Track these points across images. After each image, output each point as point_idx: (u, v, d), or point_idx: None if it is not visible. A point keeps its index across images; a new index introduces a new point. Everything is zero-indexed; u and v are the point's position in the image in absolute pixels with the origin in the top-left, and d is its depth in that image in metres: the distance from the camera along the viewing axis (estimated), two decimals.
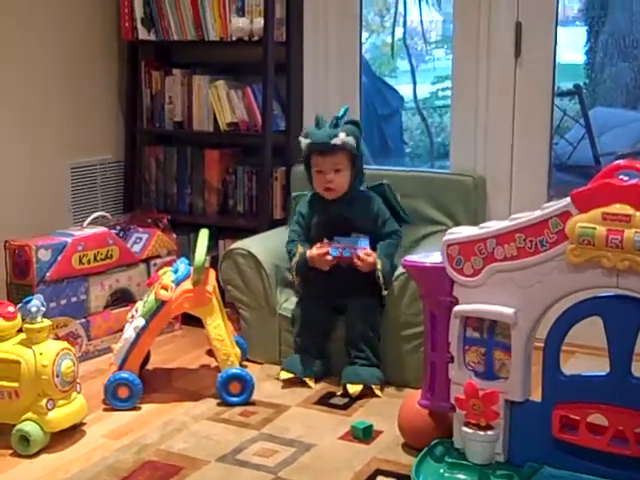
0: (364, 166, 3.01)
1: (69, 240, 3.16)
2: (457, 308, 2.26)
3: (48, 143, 3.49)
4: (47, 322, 2.57)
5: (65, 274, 3.13)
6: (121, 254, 3.31)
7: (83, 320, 3.20)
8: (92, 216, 3.38)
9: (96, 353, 3.23)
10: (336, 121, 2.86)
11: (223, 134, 3.66)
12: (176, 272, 2.89)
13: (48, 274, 3.08)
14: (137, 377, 2.78)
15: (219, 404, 2.78)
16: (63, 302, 3.13)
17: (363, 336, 2.90)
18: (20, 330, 2.58)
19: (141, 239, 3.43)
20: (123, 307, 3.31)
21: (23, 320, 2.56)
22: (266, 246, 3.21)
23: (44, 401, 2.48)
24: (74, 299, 3.17)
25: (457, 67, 3.44)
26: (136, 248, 3.40)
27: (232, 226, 3.63)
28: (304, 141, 2.88)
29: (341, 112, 2.89)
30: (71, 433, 2.57)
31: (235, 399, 2.77)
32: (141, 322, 2.80)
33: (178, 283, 2.83)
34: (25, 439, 2.45)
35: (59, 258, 3.11)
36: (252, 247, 3.16)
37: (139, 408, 2.77)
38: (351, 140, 2.84)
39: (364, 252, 2.86)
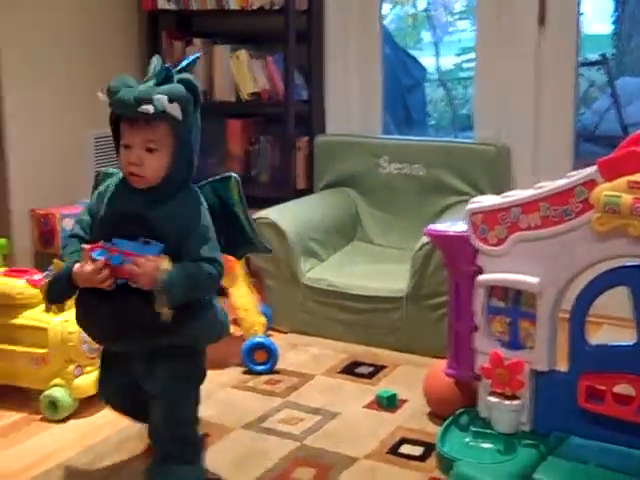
0: (195, 147, 1.95)
1: None
2: (481, 277, 2.26)
3: (72, 113, 3.50)
4: None
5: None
6: None
7: None
8: None
9: None
10: (164, 74, 1.87)
11: (245, 104, 3.66)
12: None
13: None
14: None
15: (244, 372, 2.81)
16: None
17: (173, 438, 2.03)
18: None
19: None
20: None
21: None
22: (289, 215, 3.22)
23: (72, 367, 2.51)
24: None
25: (481, 37, 3.42)
26: None
27: (255, 196, 3.62)
28: (102, 97, 1.88)
29: (184, 62, 1.95)
30: (98, 400, 2.60)
31: (260, 367, 2.80)
32: None
33: None
34: (54, 404, 2.48)
35: None
36: (276, 216, 3.17)
37: None
38: (174, 108, 1.83)
39: (145, 256, 1.85)
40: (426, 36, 6.28)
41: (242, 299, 2.85)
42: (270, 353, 2.80)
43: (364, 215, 3.55)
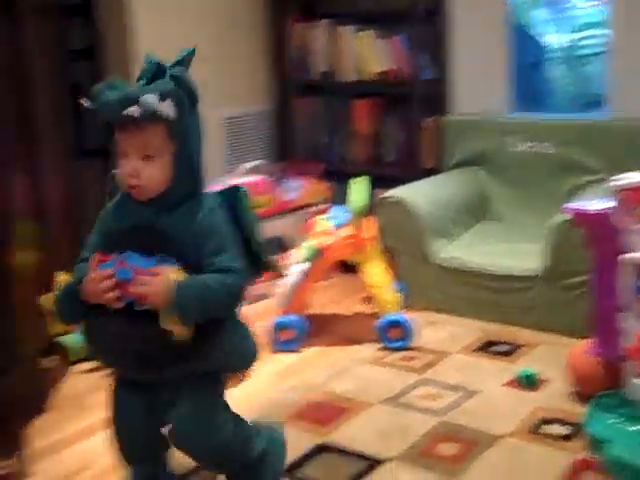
0: (198, 148, 1.74)
1: None
2: (628, 256, 2.21)
3: (204, 94, 3.57)
4: None
5: None
6: (276, 202, 3.39)
7: None
8: (249, 164, 3.48)
9: (251, 299, 3.34)
10: (154, 70, 1.68)
11: (371, 83, 3.67)
12: (333, 219, 2.94)
13: None
14: (301, 320, 2.87)
15: (380, 349, 2.84)
16: None
17: (222, 465, 1.89)
18: None
19: (295, 188, 3.50)
20: (277, 255, 3.39)
21: None
22: (419, 194, 3.23)
23: None
24: None
25: (615, 11, 3.33)
26: (290, 196, 3.47)
27: (381, 175, 3.66)
28: (85, 103, 1.67)
29: (178, 56, 1.73)
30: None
31: (395, 344, 2.82)
32: (303, 267, 2.87)
33: (338, 229, 2.89)
34: None
35: None
36: (406, 195, 3.18)
37: (302, 350, 2.87)
38: (165, 106, 1.62)
39: (153, 270, 1.64)
40: (543, 13, 6.17)
41: (376, 276, 2.88)
42: (405, 330, 2.82)
43: (493, 194, 3.52)
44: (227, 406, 1.87)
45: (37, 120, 2.41)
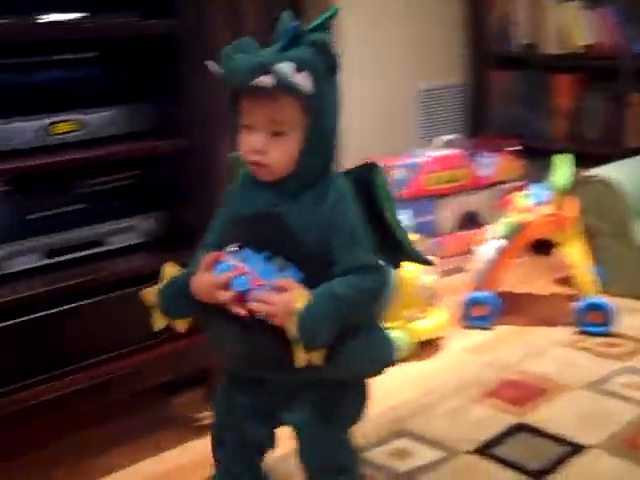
0: (334, 125, 1.47)
1: (422, 160, 3.23)
2: None
3: (399, 65, 3.55)
4: (415, 236, 2.65)
5: (417, 193, 3.21)
6: (471, 177, 3.33)
7: (435, 239, 3.27)
8: (443, 138, 3.43)
9: (443, 273, 3.30)
10: (292, 34, 1.42)
11: (575, 57, 3.52)
12: (532, 197, 2.85)
13: (402, 192, 3.17)
14: (495, 297, 2.81)
15: (576, 332, 2.73)
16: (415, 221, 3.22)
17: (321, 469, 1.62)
18: None
19: (490, 163, 3.42)
20: (470, 230, 3.34)
21: None
22: (624, 174, 3.06)
23: (409, 311, 2.57)
24: (424, 219, 3.24)
25: None
26: (485, 172, 3.40)
27: (582, 152, 3.50)
28: (212, 66, 1.44)
29: (319, 19, 1.46)
30: (433, 345, 2.66)
31: (595, 329, 2.70)
32: (501, 243, 2.80)
33: (538, 207, 2.80)
34: None
35: (412, 177, 3.19)
36: (610, 175, 3.03)
37: (494, 328, 2.80)
38: (303, 78, 1.39)
39: (275, 284, 1.41)
40: None
41: (577, 257, 2.77)
42: (605, 315, 2.69)
43: None
44: (354, 421, 1.61)
45: None
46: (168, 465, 2.05)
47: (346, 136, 3.31)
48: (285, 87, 1.37)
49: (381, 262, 1.48)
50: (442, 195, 3.27)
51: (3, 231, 1.94)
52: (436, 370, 2.51)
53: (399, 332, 2.55)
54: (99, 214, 2.08)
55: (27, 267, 1.93)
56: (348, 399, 1.57)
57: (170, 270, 1.52)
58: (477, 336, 2.76)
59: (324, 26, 1.45)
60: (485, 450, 2.05)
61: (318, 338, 1.38)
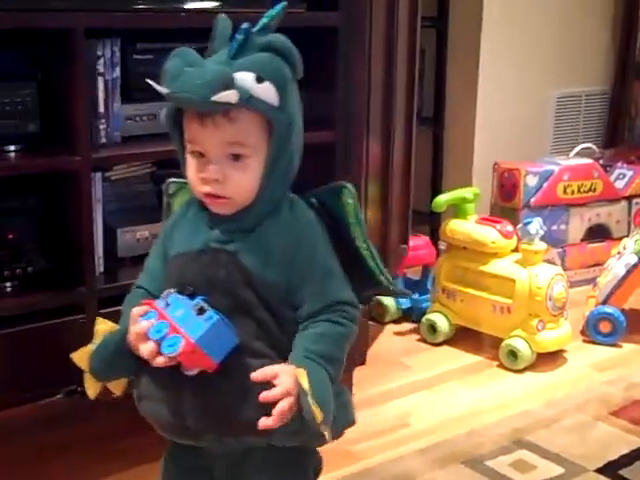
0: (298, 140, 1.24)
1: (556, 168, 3.15)
2: None
3: (535, 72, 3.48)
4: (544, 245, 2.61)
5: (549, 202, 3.14)
6: (604, 188, 3.23)
7: (560, 249, 3.20)
8: (578, 147, 3.36)
9: (568, 284, 3.23)
10: (242, 39, 1.18)
11: None
12: None
13: (533, 200, 3.11)
14: (622, 314, 2.73)
15: None
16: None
17: None
18: (515, 249, 2.66)
19: (625, 175, 3.31)
20: (599, 242, 3.25)
21: (519, 240, 2.63)
22: None
23: (534, 321, 2.53)
24: (554, 227, 3.17)
25: None
26: (619, 184, 3.29)
27: None
28: (157, 86, 1.19)
29: (265, 17, 1.22)
30: (554, 357, 2.60)
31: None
32: (633, 259, 2.72)
33: None
34: (513, 354, 2.53)
35: (545, 185, 3.12)
36: None
37: (620, 345, 2.72)
38: (265, 90, 1.17)
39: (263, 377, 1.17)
40: None
41: None
42: None
43: None
44: None
45: (394, 86, 2.48)
46: None
47: (478, 140, 3.33)
48: (247, 102, 1.14)
49: (353, 297, 1.25)
50: (574, 205, 3.20)
51: (148, 212, 2.00)
52: (558, 383, 2.46)
53: (522, 341, 2.51)
54: None
55: None
56: (303, 465, 1.32)
57: (102, 327, 1.28)
58: (601, 352, 2.68)
59: (271, 24, 1.21)
60: (611, 470, 2.00)
61: (331, 408, 1.16)
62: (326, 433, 1.15)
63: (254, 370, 1.17)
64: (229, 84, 1.12)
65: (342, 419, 1.27)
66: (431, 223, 3.29)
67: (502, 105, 3.40)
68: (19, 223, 1.70)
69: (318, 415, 1.12)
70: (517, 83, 3.43)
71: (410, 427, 2.17)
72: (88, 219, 1.76)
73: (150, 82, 1.18)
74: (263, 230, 1.21)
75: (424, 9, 2.54)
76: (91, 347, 1.25)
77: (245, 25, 1.17)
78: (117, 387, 1.29)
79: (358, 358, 2.45)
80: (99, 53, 1.80)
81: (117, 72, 1.84)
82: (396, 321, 2.83)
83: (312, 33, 2.04)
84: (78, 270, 1.77)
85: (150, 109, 1.92)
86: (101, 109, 1.82)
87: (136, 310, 1.20)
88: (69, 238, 1.79)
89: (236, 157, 1.17)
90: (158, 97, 1.90)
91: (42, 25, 1.67)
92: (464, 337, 2.69)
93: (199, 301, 1.17)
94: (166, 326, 1.16)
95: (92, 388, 1.27)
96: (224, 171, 1.17)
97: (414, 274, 2.96)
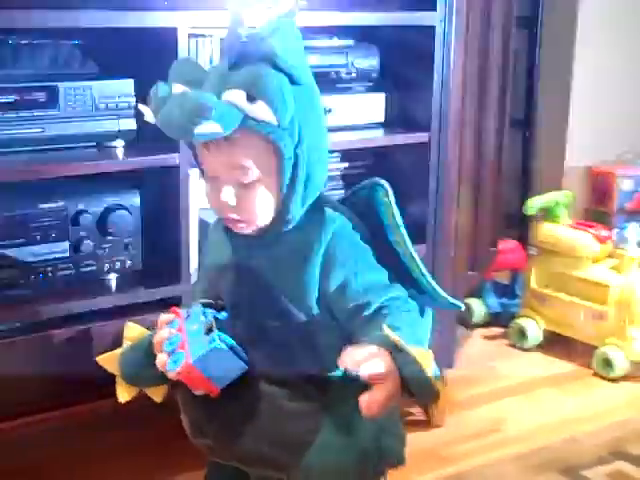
0: (320, 149, 1.15)
1: None
2: None
3: (635, 74, 3.37)
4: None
5: None
6: None
7: None
8: None
9: None
10: (240, 48, 1.09)
11: None
12: None
13: (628, 204, 3.03)
14: None
15: None
16: None
17: None
18: (609, 255, 2.59)
19: None
20: None
21: (615, 246, 2.56)
22: None
23: (630, 329, 2.46)
24: None
25: None
26: None
27: None
28: (145, 111, 1.15)
29: (271, 16, 1.09)
30: None
31: None
32: None
33: None
34: (608, 362, 2.46)
35: None
36: None
37: None
38: (259, 110, 1.05)
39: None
40: None
41: None
42: None
43: None
44: None
45: (488, 87, 2.45)
46: None
47: (570, 143, 3.25)
48: (243, 125, 1.04)
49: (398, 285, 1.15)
50: None
51: None
52: None
53: (616, 350, 2.44)
54: None
55: None
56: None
57: (130, 331, 1.24)
58: None
59: (277, 29, 1.07)
60: None
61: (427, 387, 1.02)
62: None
63: (269, 402, 1.12)
64: (208, 114, 1.01)
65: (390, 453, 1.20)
66: (520, 227, 3.22)
67: (596, 106, 3.31)
68: (120, 218, 1.72)
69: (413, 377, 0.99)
70: (613, 84, 3.34)
71: (502, 432, 2.13)
72: (185, 215, 1.78)
73: (141, 108, 1.12)
74: (286, 245, 1.14)
75: (516, 9, 2.50)
76: (120, 351, 1.22)
77: (242, 30, 1.06)
78: (156, 394, 1.24)
79: (446, 361, 2.41)
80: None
81: None
82: (484, 325, 2.78)
83: (409, 32, 2.04)
84: (175, 266, 1.79)
85: None
86: None
87: (162, 317, 1.19)
88: (167, 235, 1.81)
89: (244, 184, 1.11)
90: None
91: (146, 24, 1.69)
92: (554, 343, 2.62)
93: (211, 319, 1.13)
94: (179, 339, 1.12)
95: (123, 392, 1.23)
96: (236, 195, 1.12)
97: (502, 278, 2.90)
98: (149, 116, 1.11)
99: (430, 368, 1.00)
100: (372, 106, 2.07)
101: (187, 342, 1.11)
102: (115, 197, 1.74)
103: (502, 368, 2.50)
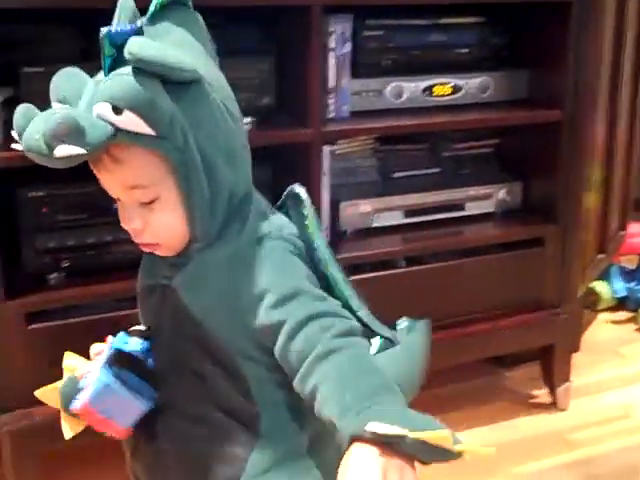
0: (228, 150, 0.99)
1: None
2: None
3: None
4: None
5: None
6: None
7: None
8: None
9: None
10: (111, 50, 0.92)
11: None
12: None
13: None
14: None
15: None
16: None
17: None
18: None
19: None
20: None
21: None
22: None
23: None
24: None
25: None
26: None
27: None
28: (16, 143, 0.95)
29: (153, 5, 0.97)
30: None
31: None
32: None
33: None
34: None
35: None
36: None
37: None
38: (128, 121, 0.89)
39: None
40: None
41: None
42: None
43: None
44: None
45: (622, 67, 2.37)
46: (497, 438, 2.04)
47: None
48: (116, 139, 0.90)
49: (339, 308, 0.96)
50: None
51: (370, 187, 2.03)
52: None
53: None
54: (459, 179, 2.11)
55: (389, 224, 2.00)
56: None
57: (69, 361, 1.09)
58: None
59: (166, 12, 0.96)
60: None
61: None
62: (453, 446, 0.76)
63: (186, 444, 1.00)
64: (67, 134, 0.87)
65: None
66: None
67: None
68: None
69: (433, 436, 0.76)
70: None
71: (631, 419, 2.08)
72: (316, 192, 1.79)
73: (13, 135, 0.94)
74: (203, 262, 0.99)
75: None
76: (59, 383, 1.08)
77: (109, 28, 0.91)
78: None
79: (572, 344, 2.37)
80: (331, 29, 1.83)
81: (348, 48, 1.87)
82: (611, 309, 2.72)
83: (543, 9, 1.99)
84: None
85: (376, 85, 1.93)
86: (331, 84, 1.85)
87: (93, 348, 1.07)
88: None
89: (147, 203, 0.96)
90: (384, 73, 1.97)
91: (282, 2, 1.72)
92: None
93: (113, 350, 1.01)
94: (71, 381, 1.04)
95: (68, 427, 1.07)
96: (141, 217, 0.97)
97: (630, 263, 2.82)
98: (18, 142, 0.94)
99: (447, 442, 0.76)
100: (503, 84, 2.04)
101: (94, 378, 1.00)
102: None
103: (629, 353, 2.44)
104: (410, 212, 2.01)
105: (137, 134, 0.90)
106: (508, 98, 2.05)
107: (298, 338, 0.90)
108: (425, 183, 2.07)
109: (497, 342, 2.03)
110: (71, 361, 1.09)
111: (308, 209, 1.03)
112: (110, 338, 1.05)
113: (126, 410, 1.00)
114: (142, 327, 1.06)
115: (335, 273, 1.01)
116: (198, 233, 0.98)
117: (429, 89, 1.95)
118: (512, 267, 2.04)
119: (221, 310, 0.97)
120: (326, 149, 1.85)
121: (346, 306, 0.99)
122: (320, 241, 1.02)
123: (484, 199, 2.09)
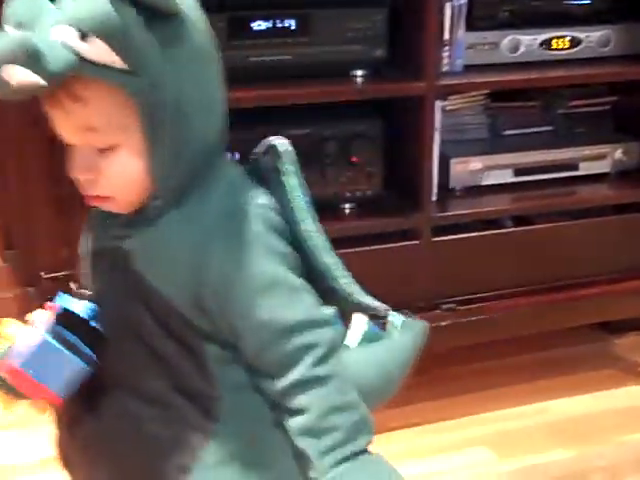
0: (204, 102, 0.87)
1: None
2: None
3: None
4: None
5: None
6: None
7: None
8: None
9: None
10: None
11: None
12: None
13: None
14: None
15: None
16: None
17: None
18: None
19: None
20: None
21: None
22: None
23: None
24: None
25: None
26: None
27: None
28: None
29: None
30: None
31: None
32: None
33: None
34: None
35: None
36: None
37: None
38: (94, 50, 0.77)
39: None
40: None
41: None
42: None
43: None
44: None
45: None
46: (603, 405, 1.99)
47: None
48: (80, 71, 0.79)
49: (328, 313, 0.89)
50: None
51: (480, 144, 1.98)
52: None
53: None
54: (573, 138, 2.04)
55: (498, 182, 1.96)
56: None
57: (6, 328, 0.94)
58: None
59: None
60: None
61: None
62: None
63: (132, 424, 0.90)
64: (24, 59, 0.76)
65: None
66: None
67: None
68: (362, 147, 1.73)
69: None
70: None
71: None
72: (428, 147, 1.76)
73: None
74: (165, 225, 0.87)
75: None
76: None
77: None
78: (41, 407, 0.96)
79: None
80: None
81: None
82: None
83: None
84: (414, 196, 1.78)
85: (492, 38, 1.87)
86: (446, 36, 1.80)
87: (33, 315, 0.94)
88: (408, 164, 1.80)
89: (104, 149, 0.85)
90: (500, 26, 1.91)
91: None
92: None
93: (59, 308, 0.89)
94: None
95: (4, 404, 0.94)
96: (94, 165, 0.85)
97: None
98: None
99: None
100: (625, 37, 1.95)
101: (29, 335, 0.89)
102: (360, 126, 1.74)
103: None
104: (521, 171, 1.96)
105: (104, 66, 0.78)
106: (630, 52, 1.96)
107: (275, 349, 0.85)
108: (537, 141, 2.02)
109: (609, 307, 1.97)
110: (11, 329, 0.94)
111: (288, 165, 0.92)
112: (50, 304, 0.92)
113: (63, 373, 0.87)
114: (86, 291, 0.94)
115: (316, 238, 0.92)
116: (158, 187, 0.86)
117: (547, 42, 1.89)
118: (627, 230, 1.97)
119: (179, 282, 0.86)
120: (437, 104, 1.80)
121: (328, 274, 0.92)
122: (299, 201, 0.91)
123: (599, 159, 2.02)
